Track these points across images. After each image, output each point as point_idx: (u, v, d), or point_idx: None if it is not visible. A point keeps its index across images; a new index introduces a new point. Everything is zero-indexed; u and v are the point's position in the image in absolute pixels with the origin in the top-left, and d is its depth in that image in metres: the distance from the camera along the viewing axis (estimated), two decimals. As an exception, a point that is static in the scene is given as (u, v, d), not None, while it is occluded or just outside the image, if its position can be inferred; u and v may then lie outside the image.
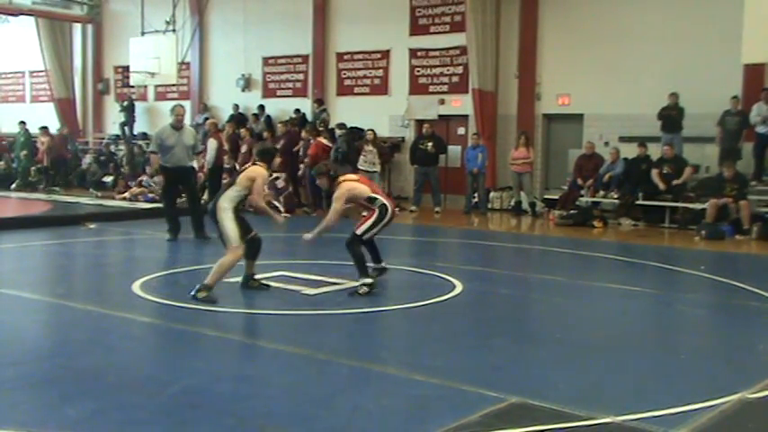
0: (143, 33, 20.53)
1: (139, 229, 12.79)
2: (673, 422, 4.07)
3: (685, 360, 5.58)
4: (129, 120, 22.99)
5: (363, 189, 7.56)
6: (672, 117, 14.66)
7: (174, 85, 21.96)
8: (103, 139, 24.01)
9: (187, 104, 22.57)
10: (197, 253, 10.35)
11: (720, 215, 13.07)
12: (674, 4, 15.24)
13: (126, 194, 18.23)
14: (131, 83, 21.81)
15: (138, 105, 23.42)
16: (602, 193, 15.06)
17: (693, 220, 13.64)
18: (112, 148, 22.64)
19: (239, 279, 8.07)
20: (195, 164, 11.64)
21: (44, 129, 21.86)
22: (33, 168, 21.40)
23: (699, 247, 11.88)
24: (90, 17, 23.84)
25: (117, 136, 23.35)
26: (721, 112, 14.19)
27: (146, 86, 22.47)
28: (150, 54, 20.01)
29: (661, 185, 14.13)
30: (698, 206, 13.71)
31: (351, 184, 7.57)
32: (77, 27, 24.76)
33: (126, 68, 22.02)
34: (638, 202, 14.50)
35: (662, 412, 4.21)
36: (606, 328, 6.67)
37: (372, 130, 16.44)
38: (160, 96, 23.59)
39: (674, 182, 14.05)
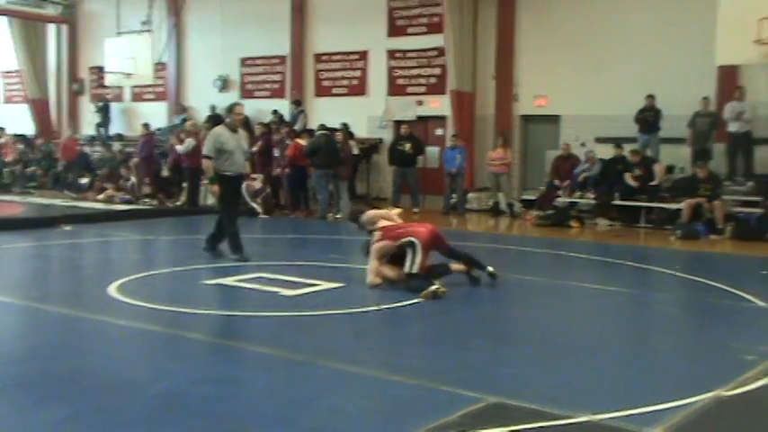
0: (119, 34, 20.37)
1: (116, 231, 12.68)
2: (649, 420, 4.10)
3: (661, 358, 5.63)
4: (105, 121, 22.84)
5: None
6: (649, 119, 14.82)
7: (150, 85, 21.83)
8: (78, 140, 23.77)
9: (164, 105, 22.55)
10: (174, 255, 10.29)
11: (695, 215, 13.23)
12: (649, 6, 15.39)
13: (101, 196, 18.10)
14: (107, 83, 21.66)
15: (114, 106, 23.28)
16: (578, 193, 15.18)
17: (668, 219, 13.79)
18: (88, 149, 22.44)
19: (219, 281, 8.04)
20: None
21: (1, 130, 21.74)
22: (7, 170, 21.19)
23: (674, 247, 12.00)
24: (64, 17, 23.64)
25: (92, 137, 23.17)
26: (692, 114, 14.39)
27: (121, 87, 22.33)
28: (126, 54, 19.87)
29: (636, 186, 14.27)
30: (673, 206, 13.86)
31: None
32: (51, 27, 24.54)
33: (101, 69, 21.87)
34: (614, 203, 14.62)
35: (638, 410, 4.24)
36: (583, 328, 6.71)
37: (342, 131, 16.19)
38: (136, 97, 23.45)
39: (650, 183, 14.20)
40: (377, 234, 7.91)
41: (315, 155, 14.92)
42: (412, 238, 7.64)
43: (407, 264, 7.52)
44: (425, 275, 7.50)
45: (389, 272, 7.73)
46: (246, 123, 19.30)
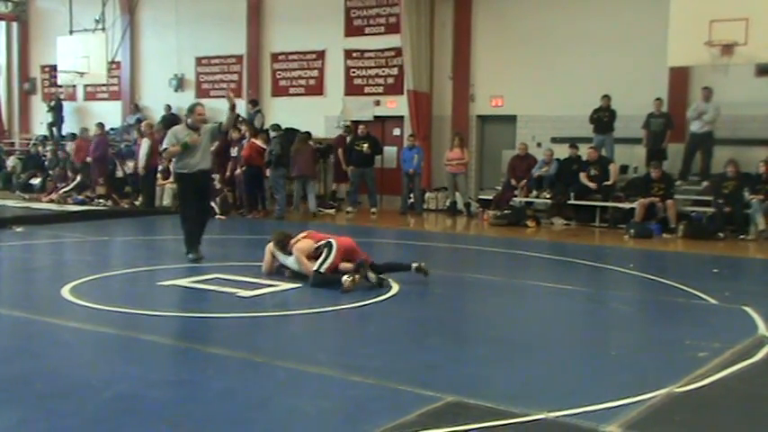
0: (71, 32, 20.05)
1: (69, 232, 12.46)
2: (604, 417, 4.16)
3: (616, 356, 5.71)
4: (58, 120, 22.45)
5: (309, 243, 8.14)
6: (604, 119, 15.02)
7: (104, 84, 21.53)
8: (30, 140, 23.34)
9: (118, 105, 22.25)
10: (128, 256, 10.15)
11: (648, 214, 13.45)
12: (604, 9, 15.60)
13: (54, 196, 17.78)
14: (59, 82, 21.30)
15: (67, 105, 22.89)
16: (534, 193, 15.33)
17: (623, 219, 14.00)
18: (40, 149, 22.01)
19: (175, 282, 7.94)
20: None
21: None
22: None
23: (628, 246, 12.19)
24: (15, 14, 23.18)
25: (45, 137, 22.75)
26: (646, 115, 14.61)
27: (74, 86, 21.96)
28: (79, 53, 19.56)
29: (591, 186, 14.47)
30: (627, 206, 14.09)
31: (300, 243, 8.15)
32: (1, 25, 24.02)
33: (53, 68, 21.52)
34: (569, 202, 14.80)
35: (593, 407, 4.29)
36: (540, 326, 6.78)
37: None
38: (90, 96, 23.10)
39: (604, 183, 14.40)
40: (300, 236, 8.27)
41: (281, 157, 14.96)
42: (331, 240, 8.02)
43: (318, 262, 7.85)
44: (330, 275, 7.76)
45: (312, 266, 7.92)
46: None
